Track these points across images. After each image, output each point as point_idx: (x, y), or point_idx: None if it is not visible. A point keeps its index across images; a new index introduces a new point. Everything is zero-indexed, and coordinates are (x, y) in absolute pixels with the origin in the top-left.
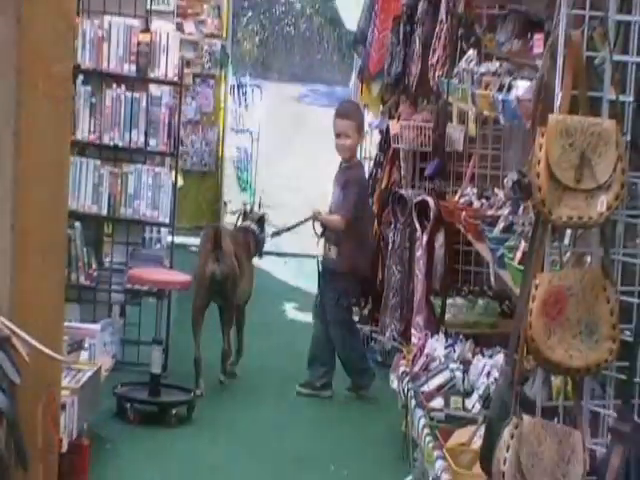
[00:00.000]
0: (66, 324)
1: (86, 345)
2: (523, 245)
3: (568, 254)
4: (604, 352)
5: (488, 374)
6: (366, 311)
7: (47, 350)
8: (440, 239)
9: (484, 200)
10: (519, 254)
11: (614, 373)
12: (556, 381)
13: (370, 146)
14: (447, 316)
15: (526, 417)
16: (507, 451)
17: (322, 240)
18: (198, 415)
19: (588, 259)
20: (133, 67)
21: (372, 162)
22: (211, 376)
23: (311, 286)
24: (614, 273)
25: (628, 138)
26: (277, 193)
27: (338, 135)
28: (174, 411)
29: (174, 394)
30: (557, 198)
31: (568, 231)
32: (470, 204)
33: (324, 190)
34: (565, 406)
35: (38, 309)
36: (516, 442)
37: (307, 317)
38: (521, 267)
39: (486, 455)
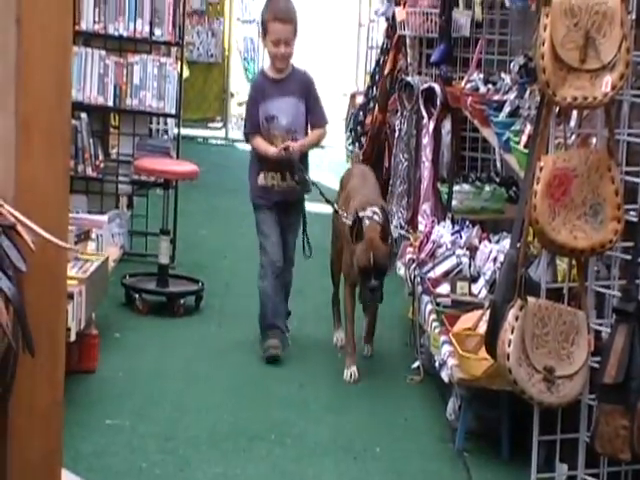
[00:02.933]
0: (73, 215)
1: (93, 236)
2: (529, 129)
3: (573, 136)
4: (609, 233)
5: (494, 259)
6: None
7: (53, 238)
8: (447, 126)
9: (490, 85)
10: (525, 138)
11: (619, 254)
12: (561, 263)
13: (377, 34)
14: (454, 203)
15: (531, 299)
16: (512, 333)
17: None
18: (205, 305)
19: (593, 140)
20: None
21: (378, 50)
22: (218, 267)
23: None
24: (619, 153)
25: (633, 16)
26: None
27: (278, 42)
28: (182, 301)
29: (182, 284)
30: (562, 79)
31: (573, 113)
32: (476, 89)
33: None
34: (570, 288)
35: (43, 198)
36: (521, 324)
37: None
38: (526, 150)
39: (491, 338)
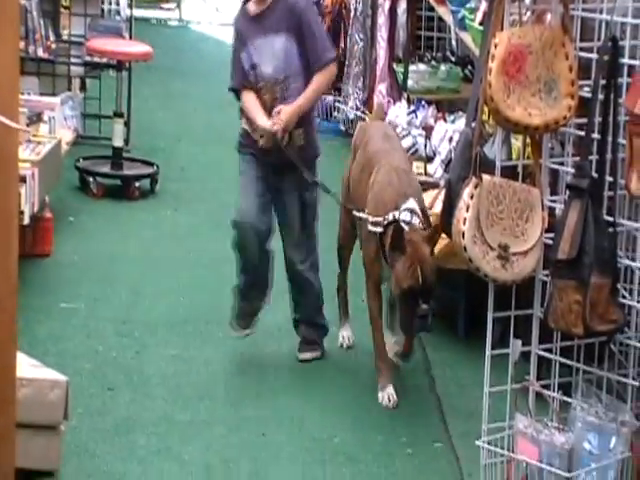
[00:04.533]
0: (24, 97)
1: (45, 118)
2: (484, 5)
3: (528, 12)
4: (563, 109)
5: (450, 139)
6: None
7: (4, 119)
8: (402, 5)
9: None
10: (480, 15)
11: (573, 130)
12: (515, 142)
13: None
14: (409, 83)
15: (486, 177)
16: (467, 211)
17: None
18: (161, 189)
19: (548, 17)
20: None
21: None
22: (173, 150)
23: None
24: (573, 30)
25: None
26: None
27: None
28: (137, 184)
29: (137, 167)
30: None
31: None
32: None
33: None
34: (524, 165)
35: None
36: (475, 202)
37: None
38: (481, 28)
39: (447, 217)
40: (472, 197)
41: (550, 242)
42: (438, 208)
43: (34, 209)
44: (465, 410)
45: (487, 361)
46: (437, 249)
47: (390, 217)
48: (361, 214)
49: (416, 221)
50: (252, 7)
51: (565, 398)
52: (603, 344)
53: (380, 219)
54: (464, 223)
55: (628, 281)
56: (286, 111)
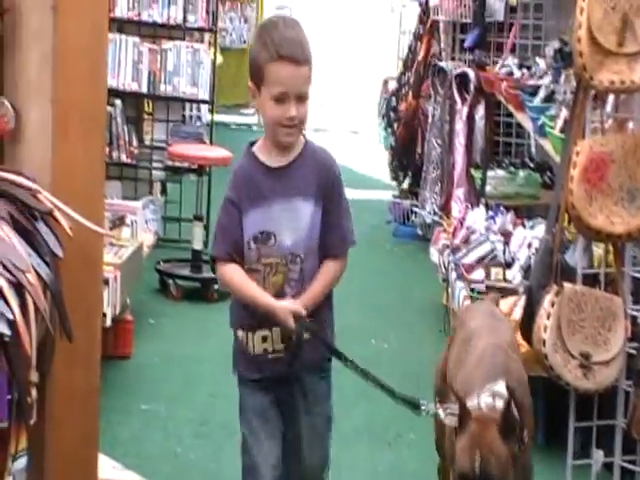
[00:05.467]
0: (108, 201)
1: (128, 222)
2: (564, 113)
3: (610, 120)
4: None
5: (529, 245)
6: (406, 185)
7: (89, 224)
8: (480, 111)
9: (525, 70)
10: (560, 122)
11: None
12: (597, 249)
13: (409, 19)
14: (487, 188)
15: (567, 285)
16: (548, 319)
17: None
18: None
19: (630, 125)
20: None
21: (411, 35)
22: None
23: None
24: None
25: None
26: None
27: (284, 98)
28: (216, 286)
29: None
30: (598, 63)
31: (610, 97)
32: (510, 74)
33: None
34: (606, 273)
35: (79, 184)
36: (557, 310)
37: None
38: (562, 135)
39: (527, 324)
40: (553, 305)
41: (633, 352)
42: (517, 315)
43: (116, 311)
44: None
45: (569, 471)
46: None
47: (473, 402)
48: (437, 408)
49: (496, 404)
50: (267, 157)
51: None
52: None
53: (455, 407)
54: (545, 331)
55: None
56: (306, 297)
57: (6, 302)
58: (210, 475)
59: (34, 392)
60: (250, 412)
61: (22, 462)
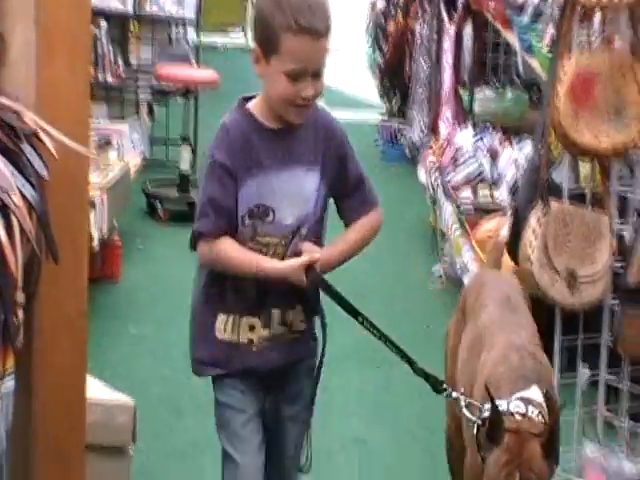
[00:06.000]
0: (94, 123)
1: (114, 144)
2: (551, 31)
3: (597, 38)
4: (632, 133)
5: (516, 164)
6: (394, 106)
7: (75, 145)
8: (468, 29)
9: None
10: (547, 40)
11: None
12: (584, 167)
13: None
14: (475, 107)
15: (554, 202)
16: (534, 237)
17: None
18: None
19: (617, 41)
20: None
21: None
22: None
23: None
24: None
25: None
26: None
27: (301, 73)
28: None
29: None
30: None
31: (597, 14)
32: None
33: None
34: (593, 191)
35: (64, 104)
36: (543, 227)
37: None
38: (549, 52)
39: (513, 242)
40: (540, 223)
41: (619, 269)
42: (505, 234)
43: (103, 234)
44: None
45: (555, 387)
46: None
47: (496, 407)
48: (456, 394)
49: (534, 414)
50: (267, 119)
51: (634, 426)
52: None
53: (478, 404)
54: (532, 249)
55: None
56: (317, 254)
57: None
58: (199, 395)
59: (21, 313)
60: (230, 418)
61: (10, 385)
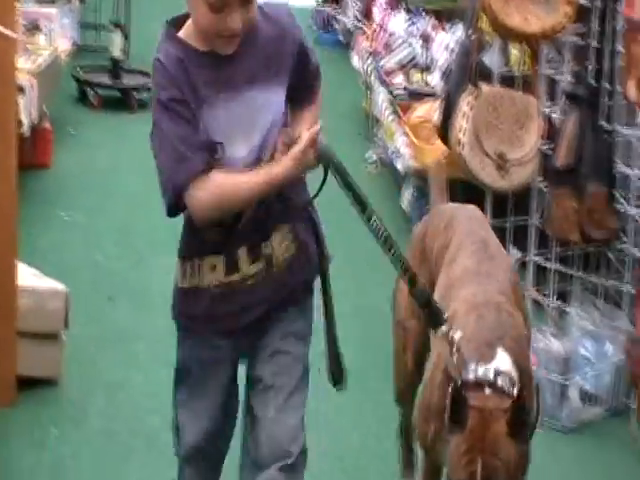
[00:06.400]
0: (21, 7)
1: (43, 28)
2: None
3: None
4: (560, 16)
5: (449, 49)
6: None
7: (0, 27)
8: None
9: None
10: None
11: (571, 38)
12: (514, 50)
13: None
14: None
15: (484, 85)
16: (465, 121)
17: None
18: None
19: None
20: None
21: None
22: None
23: None
24: None
25: None
26: None
27: (226, 3)
28: (136, 95)
29: (136, 78)
30: None
31: None
32: None
33: None
34: (523, 74)
35: None
36: (474, 111)
37: None
38: None
39: (444, 127)
40: (470, 106)
41: (548, 150)
42: (436, 118)
43: (33, 120)
44: None
45: None
46: (434, 159)
47: (470, 373)
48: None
49: (502, 385)
50: (197, 40)
51: (562, 305)
52: (600, 251)
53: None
54: (462, 132)
55: (624, 188)
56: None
57: None
58: (131, 281)
59: None
60: (189, 374)
61: None
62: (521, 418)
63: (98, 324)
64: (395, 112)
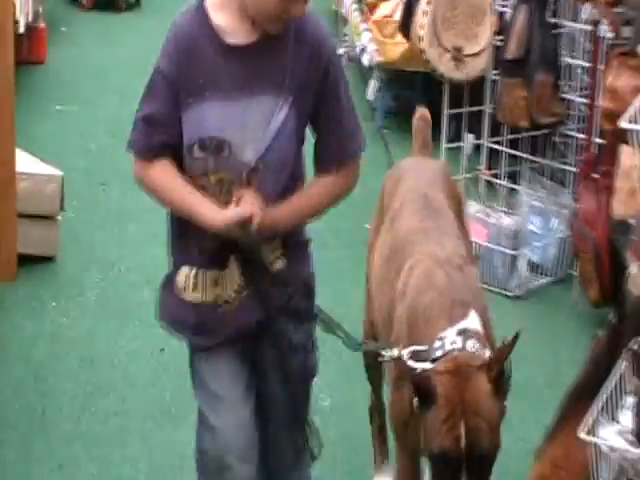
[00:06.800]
0: None
1: None
2: None
3: None
4: None
5: None
6: None
7: None
8: None
9: None
10: None
11: None
12: None
13: None
14: None
15: None
16: (424, 16)
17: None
18: (146, 3)
19: None
20: None
21: None
22: None
23: None
24: None
25: None
26: None
27: None
28: None
29: None
30: None
31: None
32: None
33: None
34: None
35: None
36: (433, 7)
37: None
38: None
39: (406, 23)
40: (430, 3)
41: (500, 44)
42: (399, 15)
43: (28, 19)
44: None
45: (443, 154)
46: (398, 53)
47: (437, 349)
48: (388, 352)
49: (472, 346)
50: (227, 24)
51: (512, 185)
52: (546, 135)
53: (423, 348)
54: (422, 28)
55: (569, 78)
56: (260, 215)
57: None
58: (122, 168)
59: None
60: (206, 379)
61: None
62: (501, 373)
63: (92, 207)
64: (361, 10)
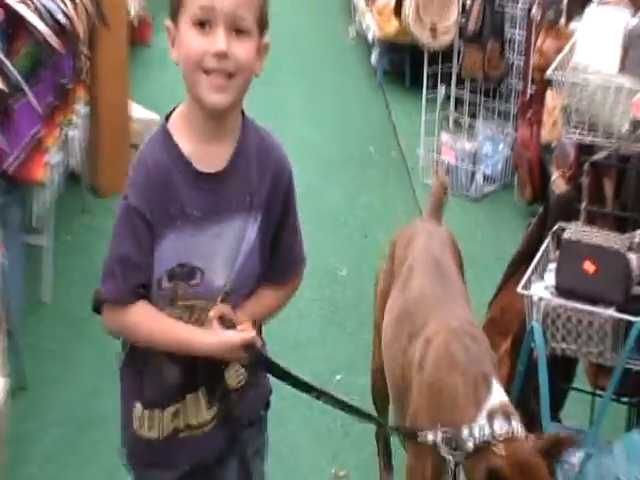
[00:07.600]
0: None
1: None
2: None
3: None
4: None
5: None
6: None
7: None
8: None
9: None
10: None
11: None
12: None
13: None
14: None
15: None
16: (411, 1)
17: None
18: None
19: None
20: None
21: None
22: None
23: None
24: None
25: None
26: None
27: (211, 19)
28: None
29: None
30: None
31: None
32: None
33: None
34: None
35: None
36: None
37: None
38: None
39: (398, 9)
40: None
41: (463, 22)
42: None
43: (138, 11)
44: (411, 129)
45: (424, 100)
46: (393, 29)
47: (471, 437)
48: (422, 437)
49: (514, 427)
50: (192, 146)
51: (472, 121)
52: (496, 85)
53: (450, 434)
54: (408, 10)
55: (511, 45)
56: (248, 330)
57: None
58: None
59: (87, 62)
60: None
61: (85, 110)
62: (555, 451)
63: None
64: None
